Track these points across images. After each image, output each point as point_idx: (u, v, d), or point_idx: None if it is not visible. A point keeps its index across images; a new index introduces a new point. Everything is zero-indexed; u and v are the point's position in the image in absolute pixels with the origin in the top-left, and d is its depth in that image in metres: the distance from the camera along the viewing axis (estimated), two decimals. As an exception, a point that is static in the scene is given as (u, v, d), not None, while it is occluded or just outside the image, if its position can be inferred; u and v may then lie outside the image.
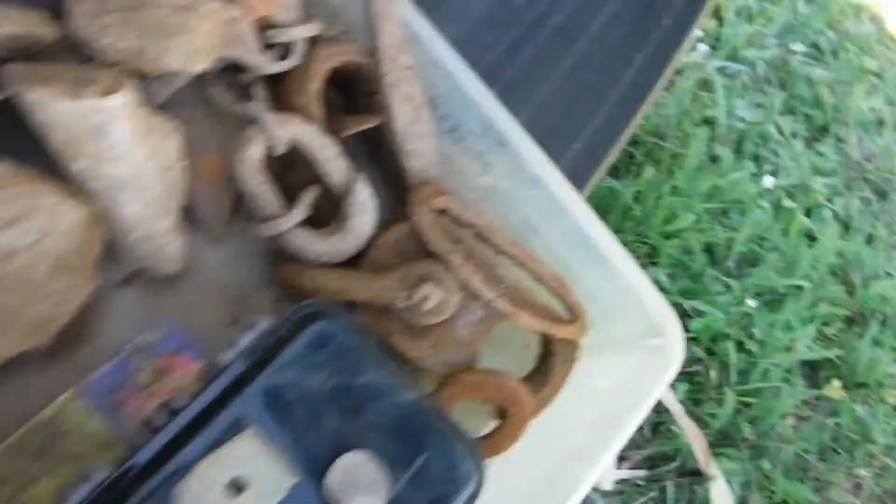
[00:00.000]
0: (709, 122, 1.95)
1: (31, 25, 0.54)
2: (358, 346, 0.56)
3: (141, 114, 0.55)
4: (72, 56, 0.60)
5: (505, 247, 0.69)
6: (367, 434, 0.53)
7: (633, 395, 0.70)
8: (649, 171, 1.75)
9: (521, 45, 0.91)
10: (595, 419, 0.71)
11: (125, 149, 0.54)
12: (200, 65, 0.57)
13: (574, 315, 0.71)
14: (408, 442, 0.54)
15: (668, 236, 1.74)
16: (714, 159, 1.90)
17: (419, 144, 0.67)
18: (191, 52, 0.56)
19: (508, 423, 0.69)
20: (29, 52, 0.57)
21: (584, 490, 0.65)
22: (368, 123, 0.67)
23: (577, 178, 0.87)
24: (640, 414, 0.69)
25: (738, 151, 1.97)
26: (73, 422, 0.57)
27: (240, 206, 0.69)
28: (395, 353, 0.65)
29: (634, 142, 1.79)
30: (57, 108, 0.51)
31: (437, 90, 0.69)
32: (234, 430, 0.49)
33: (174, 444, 0.49)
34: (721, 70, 2.04)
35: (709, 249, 1.81)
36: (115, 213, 0.57)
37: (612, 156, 0.90)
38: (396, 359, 0.60)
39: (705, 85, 2.00)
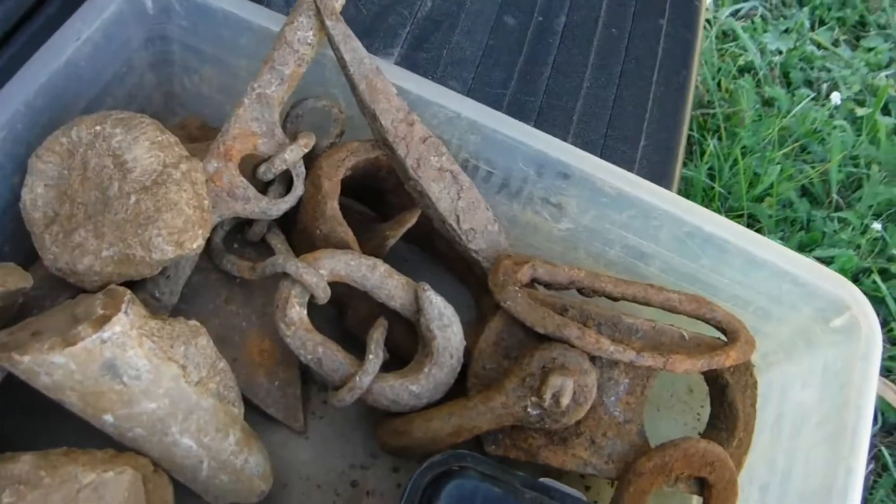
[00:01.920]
0: (746, 69, 1.81)
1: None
2: (507, 494, 0.44)
3: (152, 327, 0.44)
4: (64, 294, 0.51)
5: (618, 290, 0.56)
6: None
7: (846, 392, 0.56)
8: (712, 144, 1.61)
9: (535, 63, 0.79)
10: (816, 440, 0.57)
11: (149, 377, 0.43)
12: (195, 241, 0.47)
13: (731, 332, 0.57)
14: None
15: (759, 199, 1.59)
16: (769, 103, 1.76)
17: (474, 219, 0.55)
18: (178, 232, 0.46)
19: (715, 494, 0.55)
20: (13, 311, 0.48)
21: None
22: (409, 220, 0.56)
23: (661, 175, 0.74)
24: (868, 406, 0.55)
25: (789, 84, 1.82)
26: None
27: (310, 381, 0.58)
28: (552, 475, 0.53)
29: (685, 122, 1.66)
30: (57, 363, 0.41)
31: (467, 147, 0.58)
32: None
33: None
34: (735, 14, 1.91)
35: (806, 192, 1.64)
36: (172, 455, 0.46)
37: (684, 138, 0.77)
38: (557, 490, 0.47)
39: (726, 36, 1.86)
